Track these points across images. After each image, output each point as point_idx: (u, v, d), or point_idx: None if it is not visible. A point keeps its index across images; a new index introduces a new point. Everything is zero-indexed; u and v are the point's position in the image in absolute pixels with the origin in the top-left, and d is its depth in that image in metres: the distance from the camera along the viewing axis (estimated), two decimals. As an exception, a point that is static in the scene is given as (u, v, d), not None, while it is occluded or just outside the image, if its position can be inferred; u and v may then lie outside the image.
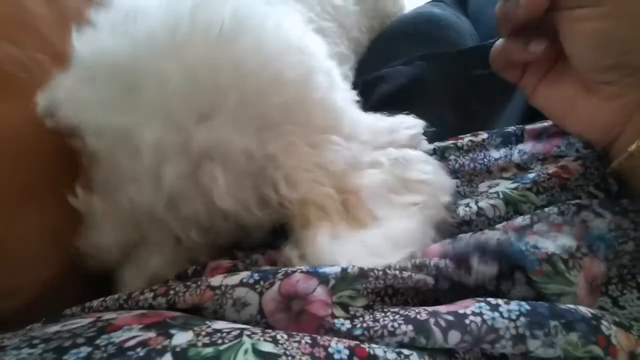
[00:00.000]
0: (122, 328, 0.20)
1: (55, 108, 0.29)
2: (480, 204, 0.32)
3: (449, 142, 0.40)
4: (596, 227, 0.28)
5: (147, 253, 0.30)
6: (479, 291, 0.25)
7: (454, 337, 0.21)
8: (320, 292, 0.23)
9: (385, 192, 0.31)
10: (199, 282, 0.24)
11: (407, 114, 0.37)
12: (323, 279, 0.23)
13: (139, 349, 0.18)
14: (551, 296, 0.25)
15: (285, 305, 0.23)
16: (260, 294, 0.23)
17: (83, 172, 0.30)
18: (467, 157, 0.39)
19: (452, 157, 0.39)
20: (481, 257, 0.25)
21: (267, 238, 0.33)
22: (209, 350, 0.19)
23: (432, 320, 0.22)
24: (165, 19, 0.28)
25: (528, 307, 0.22)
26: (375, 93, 0.48)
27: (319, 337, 0.20)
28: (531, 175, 0.33)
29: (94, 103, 0.28)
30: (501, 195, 0.32)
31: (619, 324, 0.23)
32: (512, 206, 0.32)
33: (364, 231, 0.29)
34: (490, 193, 0.33)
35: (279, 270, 0.24)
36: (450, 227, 0.31)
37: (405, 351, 0.21)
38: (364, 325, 0.22)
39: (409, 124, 0.36)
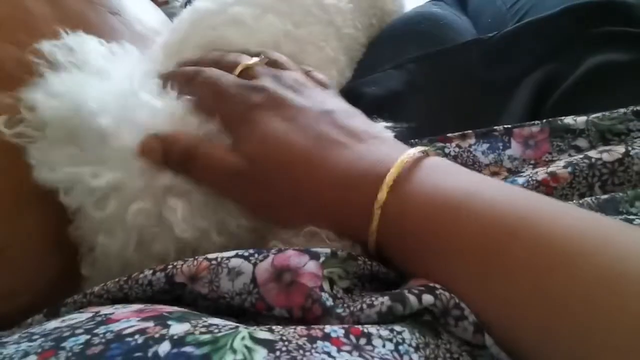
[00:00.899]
0: (121, 320, 0.20)
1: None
2: None
3: (438, 145, 0.40)
4: None
5: None
6: None
7: (428, 299, 0.22)
8: (311, 266, 0.24)
9: None
10: (196, 257, 0.25)
11: (391, 118, 0.37)
12: (314, 256, 0.24)
13: (137, 336, 0.19)
14: None
15: (277, 276, 0.24)
16: (254, 265, 0.24)
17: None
18: (456, 163, 0.39)
19: None
20: None
21: None
22: (207, 336, 0.19)
23: (405, 291, 0.23)
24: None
25: None
26: (366, 96, 0.48)
27: (313, 325, 0.21)
28: (521, 181, 0.33)
29: (61, 163, 0.29)
30: None
31: None
32: None
33: None
34: None
35: (273, 248, 0.25)
36: None
37: (398, 327, 0.21)
38: (344, 304, 0.23)
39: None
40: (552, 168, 0.33)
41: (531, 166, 0.36)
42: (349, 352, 0.19)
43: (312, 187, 0.28)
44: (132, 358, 0.18)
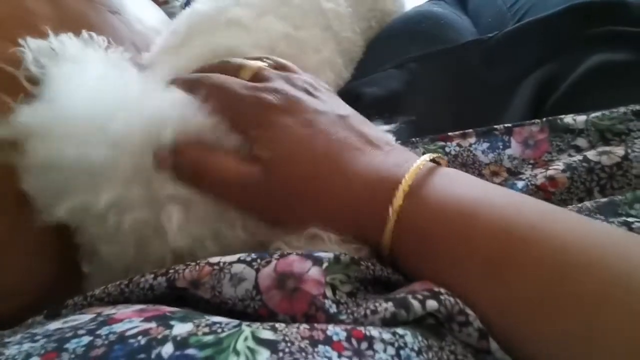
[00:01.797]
0: (123, 321, 0.20)
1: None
2: None
3: (438, 144, 0.40)
4: None
5: None
6: None
7: (432, 305, 0.22)
8: (314, 272, 0.23)
9: None
10: (198, 261, 0.25)
11: (391, 118, 0.38)
12: (317, 261, 0.24)
13: (139, 337, 0.19)
14: None
15: (280, 282, 0.23)
16: (257, 270, 0.24)
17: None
18: (456, 162, 0.39)
19: None
20: None
21: None
22: (210, 337, 0.19)
23: (410, 296, 0.23)
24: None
25: None
26: (366, 96, 0.48)
27: (316, 324, 0.21)
28: (520, 185, 0.33)
29: (56, 195, 0.29)
30: None
31: None
32: None
33: None
34: None
35: (275, 252, 0.25)
36: None
37: (400, 331, 0.21)
38: (348, 310, 0.23)
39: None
40: (550, 172, 0.33)
41: (530, 166, 0.37)
42: (349, 357, 0.19)
43: (333, 192, 0.28)
44: (135, 359, 0.18)
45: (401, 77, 0.50)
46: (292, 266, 0.24)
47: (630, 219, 0.28)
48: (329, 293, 0.23)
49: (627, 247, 0.22)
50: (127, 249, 0.29)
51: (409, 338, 0.21)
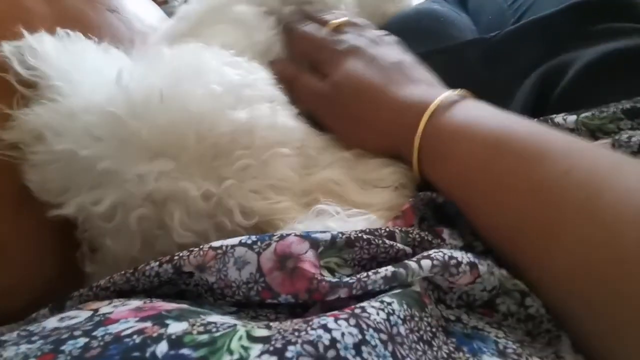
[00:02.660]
0: (119, 321, 0.21)
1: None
2: None
3: None
4: None
5: None
6: None
7: (427, 264, 0.25)
8: (310, 255, 0.25)
9: (351, 181, 0.35)
10: (201, 246, 0.26)
11: None
12: (313, 244, 0.25)
13: (135, 336, 0.19)
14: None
15: (280, 264, 0.24)
16: (258, 253, 0.25)
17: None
18: None
19: None
20: (450, 234, 0.30)
21: None
22: (204, 337, 0.19)
23: (405, 259, 0.26)
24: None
25: (470, 254, 0.27)
26: None
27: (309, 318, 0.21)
28: None
29: (60, 189, 0.30)
30: None
31: None
32: None
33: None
34: None
35: (275, 234, 0.26)
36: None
37: (387, 299, 0.22)
38: (352, 278, 0.24)
39: None
40: None
41: None
42: (346, 319, 0.20)
43: (374, 109, 0.38)
44: (130, 357, 0.18)
45: None
46: (290, 247, 0.25)
47: None
48: (325, 273, 0.25)
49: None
50: (133, 243, 0.30)
51: (395, 306, 0.22)
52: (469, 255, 0.27)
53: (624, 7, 0.43)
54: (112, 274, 0.27)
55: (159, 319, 0.20)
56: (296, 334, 0.19)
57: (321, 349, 0.18)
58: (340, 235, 0.26)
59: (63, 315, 0.23)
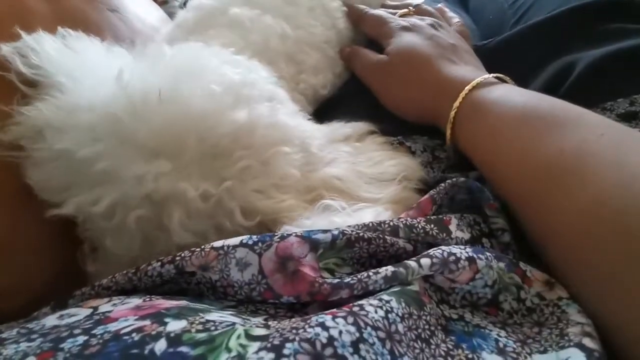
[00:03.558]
0: (118, 320, 0.21)
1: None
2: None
3: (437, 142, 0.43)
4: None
5: None
6: None
7: (426, 262, 0.25)
8: (309, 259, 0.25)
9: (355, 176, 0.35)
10: (202, 246, 0.26)
11: (391, 118, 0.42)
12: (313, 246, 0.25)
13: (133, 334, 0.19)
14: (496, 231, 0.32)
15: (281, 265, 0.24)
16: (259, 254, 0.25)
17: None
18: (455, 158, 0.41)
19: (442, 156, 0.42)
20: (458, 224, 0.31)
21: None
22: (203, 335, 0.19)
23: (405, 257, 0.26)
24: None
25: (469, 248, 0.28)
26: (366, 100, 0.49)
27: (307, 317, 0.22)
28: None
29: (60, 188, 0.30)
30: None
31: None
32: None
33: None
34: None
35: (276, 234, 0.26)
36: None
37: (386, 297, 0.23)
38: (353, 278, 0.24)
39: (353, 124, 0.41)
40: None
41: None
42: (344, 317, 0.20)
43: (422, 74, 0.42)
44: (128, 354, 0.18)
45: None
46: (291, 249, 0.25)
47: None
48: (325, 275, 0.25)
49: None
50: (133, 243, 0.30)
51: (394, 303, 0.22)
52: (468, 250, 0.27)
53: (626, 7, 0.43)
54: (113, 273, 0.27)
55: (158, 317, 0.20)
56: (294, 331, 0.19)
57: (318, 346, 0.19)
58: (341, 235, 0.26)
59: (62, 312, 0.23)
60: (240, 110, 0.31)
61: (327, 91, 0.49)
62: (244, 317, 0.22)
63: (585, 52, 0.41)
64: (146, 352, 0.18)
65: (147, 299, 0.24)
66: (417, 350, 0.22)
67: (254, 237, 0.25)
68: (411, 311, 0.23)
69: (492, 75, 0.39)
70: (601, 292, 0.26)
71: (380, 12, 0.51)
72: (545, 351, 0.24)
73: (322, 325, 0.19)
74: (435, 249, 0.27)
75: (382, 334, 0.20)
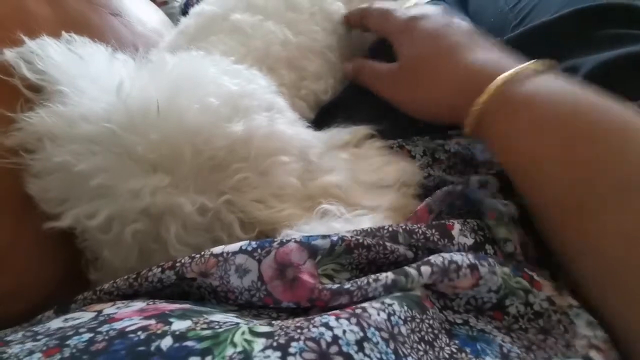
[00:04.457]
0: (123, 319, 0.21)
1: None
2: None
3: (438, 142, 0.42)
4: None
5: None
6: None
7: (426, 270, 0.26)
8: (308, 265, 0.25)
9: (354, 184, 0.35)
10: (202, 253, 0.26)
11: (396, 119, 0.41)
12: (312, 252, 0.26)
13: (139, 332, 0.19)
14: (500, 241, 0.31)
15: (280, 272, 0.25)
16: (259, 261, 0.25)
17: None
18: (457, 158, 0.41)
19: (442, 157, 0.42)
20: (461, 229, 0.31)
21: None
22: (208, 332, 0.19)
23: (406, 264, 0.26)
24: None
25: (471, 255, 0.27)
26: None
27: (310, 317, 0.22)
28: None
29: (58, 200, 0.30)
30: None
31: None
32: None
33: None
34: None
35: (275, 240, 0.26)
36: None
37: (388, 300, 0.23)
38: (353, 285, 0.25)
39: (352, 129, 0.40)
40: None
41: None
42: (347, 319, 0.20)
43: (445, 74, 0.38)
44: (135, 352, 0.18)
45: None
46: (290, 255, 0.25)
47: None
48: (325, 281, 0.25)
49: None
50: (130, 255, 0.30)
51: (396, 307, 0.23)
52: (470, 256, 0.27)
53: (627, 12, 0.42)
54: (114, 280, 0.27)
55: (163, 318, 0.21)
56: (299, 331, 0.19)
57: (324, 345, 0.19)
58: (340, 241, 0.26)
59: (67, 316, 0.23)
60: (236, 123, 0.31)
61: (328, 97, 0.49)
62: (247, 319, 0.23)
63: (587, 56, 0.41)
64: (152, 348, 0.18)
65: (151, 303, 0.24)
66: (420, 352, 0.22)
67: (253, 244, 0.26)
68: (414, 314, 0.23)
69: (528, 63, 0.35)
70: (631, 315, 0.26)
71: (384, 4, 0.47)
72: (550, 358, 0.24)
73: (326, 325, 0.20)
74: (436, 255, 0.27)
75: (385, 335, 0.21)
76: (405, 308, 0.23)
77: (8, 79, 0.32)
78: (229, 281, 0.25)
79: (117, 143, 0.28)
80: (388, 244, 0.28)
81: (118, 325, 0.20)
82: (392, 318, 0.22)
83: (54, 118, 0.30)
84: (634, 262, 0.25)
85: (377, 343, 0.20)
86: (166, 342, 0.19)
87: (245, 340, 0.19)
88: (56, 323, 0.22)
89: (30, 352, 0.19)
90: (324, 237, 0.26)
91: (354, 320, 0.20)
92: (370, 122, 0.41)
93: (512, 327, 0.27)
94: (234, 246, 0.26)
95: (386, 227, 0.29)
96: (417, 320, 0.23)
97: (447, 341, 0.24)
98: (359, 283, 0.24)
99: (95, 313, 0.22)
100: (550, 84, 0.33)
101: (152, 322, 0.20)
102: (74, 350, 0.18)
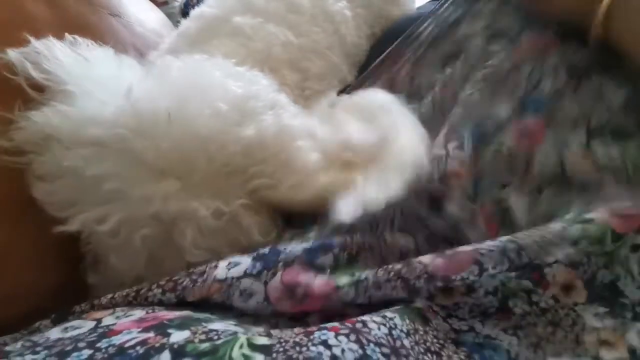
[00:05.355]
0: (122, 332, 0.21)
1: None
2: None
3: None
4: None
5: None
6: None
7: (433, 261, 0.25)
8: (319, 281, 0.25)
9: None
10: (205, 276, 0.26)
11: None
12: (319, 270, 0.26)
13: (138, 347, 0.19)
14: None
15: (289, 292, 0.25)
16: (265, 283, 0.25)
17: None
18: None
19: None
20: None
21: None
22: (206, 345, 0.19)
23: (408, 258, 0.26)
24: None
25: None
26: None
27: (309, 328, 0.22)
28: None
29: (66, 203, 0.30)
30: None
31: None
32: None
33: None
34: None
35: (279, 259, 0.26)
36: None
37: (389, 314, 0.23)
38: (367, 294, 0.24)
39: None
40: None
41: None
42: (347, 335, 0.20)
43: None
44: None
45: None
46: (297, 277, 0.25)
47: None
48: (341, 283, 0.25)
49: None
50: (138, 260, 0.30)
51: (397, 320, 0.22)
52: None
53: None
54: (114, 287, 0.27)
55: (161, 329, 0.21)
56: (297, 348, 0.19)
57: None
58: (342, 254, 0.27)
59: (67, 325, 0.23)
60: (247, 127, 0.31)
61: None
62: (245, 326, 0.23)
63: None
64: None
65: (150, 311, 0.24)
66: None
67: (258, 265, 0.26)
68: (416, 327, 0.23)
69: None
70: None
71: None
72: (559, 355, 0.24)
73: (325, 344, 0.20)
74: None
75: (386, 350, 0.20)
76: (407, 321, 0.23)
77: (12, 77, 0.32)
78: (231, 305, 0.25)
79: (129, 149, 0.29)
80: (388, 237, 0.28)
81: (117, 340, 0.20)
82: (393, 332, 0.22)
83: (61, 118, 0.30)
84: None
85: None
86: (164, 358, 0.19)
87: (244, 355, 0.19)
88: (55, 333, 0.22)
89: None
90: (325, 251, 0.27)
91: (353, 337, 0.20)
92: None
93: (520, 324, 0.26)
94: (239, 269, 0.26)
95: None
96: (421, 332, 0.23)
97: (455, 349, 0.24)
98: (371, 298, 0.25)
99: (95, 322, 0.22)
100: None
101: (151, 334, 0.20)
102: None
